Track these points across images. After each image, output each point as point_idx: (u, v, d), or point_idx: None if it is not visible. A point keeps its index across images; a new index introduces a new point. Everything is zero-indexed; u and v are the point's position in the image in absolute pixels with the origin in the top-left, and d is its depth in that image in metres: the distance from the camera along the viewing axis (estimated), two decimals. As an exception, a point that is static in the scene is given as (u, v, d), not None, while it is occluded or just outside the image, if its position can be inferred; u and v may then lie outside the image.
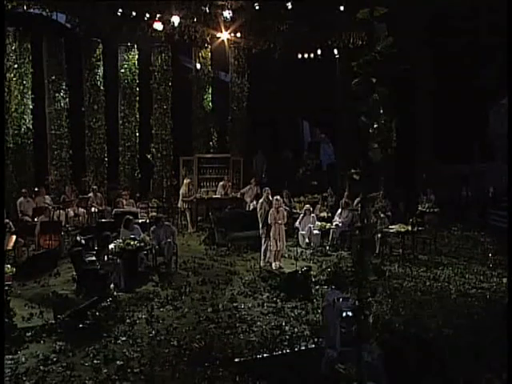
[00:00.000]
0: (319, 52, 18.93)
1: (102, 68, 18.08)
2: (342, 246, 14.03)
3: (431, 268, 12.14)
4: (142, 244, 11.06)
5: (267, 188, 12.62)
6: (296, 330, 8.38)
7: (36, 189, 15.99)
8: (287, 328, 8.46)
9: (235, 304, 9.61)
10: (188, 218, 16.25)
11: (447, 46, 16.89)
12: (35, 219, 13.93)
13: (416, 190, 18.64)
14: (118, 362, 7.20)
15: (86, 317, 8.22)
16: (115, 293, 9.96)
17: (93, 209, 16.33)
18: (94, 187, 17.13)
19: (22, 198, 14.92)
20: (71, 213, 15.85)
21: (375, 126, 3.67)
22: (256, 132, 21.16)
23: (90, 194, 16.72)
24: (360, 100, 3.63)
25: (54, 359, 7.33)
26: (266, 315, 9.07)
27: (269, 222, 11.96)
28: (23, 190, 15.08)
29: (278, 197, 12.23)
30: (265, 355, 7.48)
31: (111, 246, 10.86)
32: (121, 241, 10.95)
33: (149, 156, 18.83)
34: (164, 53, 18.53)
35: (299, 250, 13.58)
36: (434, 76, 18.43)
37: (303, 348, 7.67)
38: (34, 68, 16.46)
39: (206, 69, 19.03)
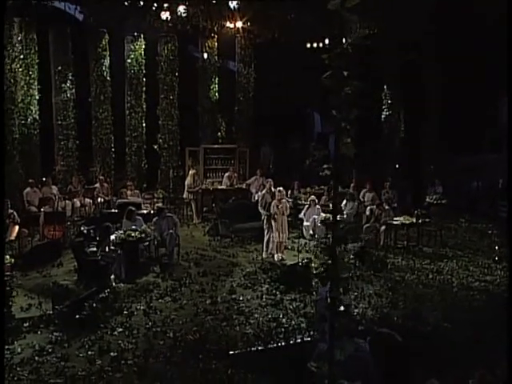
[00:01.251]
0: (327, 41, 18.68)
1: (108, 58, 18.02)
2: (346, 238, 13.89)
3: (435, 260, 12.03)
4: (143, 235, 11.06)
5: (270, 179, 12.55)
6: (293, 322, 8.35)
7: (43, 179, 16.09)
8: (284, 320, 8.44)
9: (234, 296, 9.59)
10: (193, 209, 16.21)
11: (456, 33, 16.57)
12: (41, 209, 14.01)
13: (424, 181, 18.43)
14: (111, 354, 7.23)
15: (84, 308, 8.26)
16: (114, 284, 10.00)
17: (99, 199, 16.38)
18: (101, 177, 17.17)
19: (28, 189, 14.97)
20: (77, 203, 15.93)
21: (347, 120, 3.57)
22: (263, 123, 20.98)
23: (97, 185, 16.75)
24: (331, 94, 3.54)
25: (50, 350, 7.38)
26: (264, 307, 9.05)
27: (271, 213, 11.91)
28: (30, 181, 15.12)
29: (281, 188, 12.16)
30: (259, 348, 7.47)
31: (112, 236, 10.89)
32: (122, 232, 10.98)
33: (155, 147, 18.82)
34: (170, 43, 18.45)
35: (303, 241, 13.53)
36: (443, 65, 18.13)
37: (299, 341, 7.63)
38: (41, 58, 16.42)
39: (212, 59, 18.92)
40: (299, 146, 22.90)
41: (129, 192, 15.74)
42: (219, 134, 20.00)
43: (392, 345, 7.22)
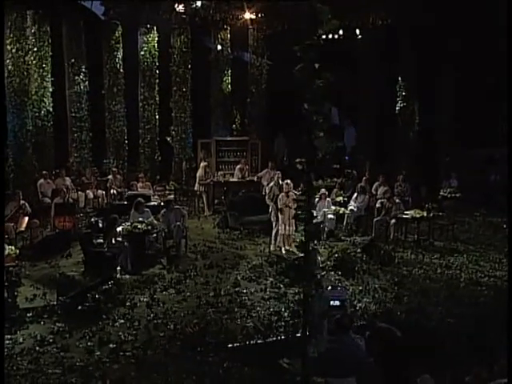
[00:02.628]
0: (341, 32, 18.50)
1: (121, 50, 18.12)
2: (356, 231, 13.81)
3: (445, 255, 11.87)
4: (149, 227, 11.10)
5: (278, 172, 12.49)
6: (295, 316, 8.29)
7: (56, 171, 16.26)
8: (286, 314, 8.39)
9: (238, 289, 9.59)
10: (204, 201, 16.25)
11: (472, 23, 16.23)
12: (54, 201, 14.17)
13: (439, 174, 18.18)
14: (110, 345, 7.28)
15: (86, 299, 8.33)
16: (120, 275, 10.07)
17: (112, 191, 16.50)
18: (114, 169, 17.30)
19: (42, 180, 15.15)
20: (90, 194, 16.08)
21: (320, 113, 3.52)
22: (278, 114, 20.86)
23: (110, 176, 16.88)
24: (302, 86, 3.49)
25: (50, 340, 7.45)
26: (267, 300, 9.03)
27: (279, 206, 11.87)
28: (43, 172, 15.31)
29: (289, 181, 12.10)
30: (259, 341, 7.46)
31: (119, 228, 10.96)
32: (129, 224, 11.05)
33: (168, 139, 18.88)
34: (183, 35, 18.46)
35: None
36: (458, 56, 17.82)
37: (298, 335, 7.59)
38: (54, 51, 16.51)
39: (225, 50, 18.88)
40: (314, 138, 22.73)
41: (140, 184, 15.84)
42: (234, 126, 20.01)
43: (391, 340, 7.15)
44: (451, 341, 7.09)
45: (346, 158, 21.09)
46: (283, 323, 7.95)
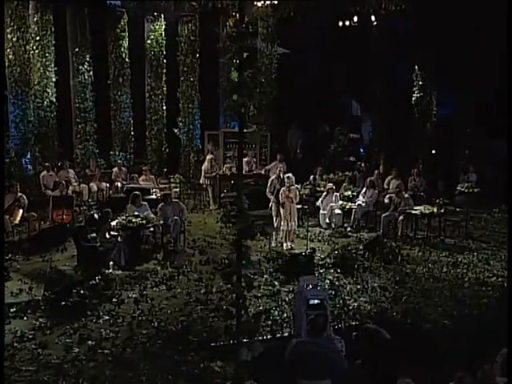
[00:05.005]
0: (355, 19, 18.27)
1: (127, 39, 18.11)
2: (363, 227, 13.66)
3: (454, 253, 11.66)
4: (145, 221, 11.12)
5: (281, 165, 12.41)
6: (285, 315, 8.23)
7: (60, 163, 16.42)
8: (276, 313, 8.33)
9: (230, 286, 9.51)
10: (210, 195, 16.23)
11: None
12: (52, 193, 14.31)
13: (457, 168, 17.85)
14: (89, 342, 7.30)
15: (71, 294, 8.38)
16: (112, 270, 10.11)
17: (117, 183, 16.59)
18: (119, 162, 17.40)
19: (44, 172, 15.30)
20: (94, 187, 16.20)
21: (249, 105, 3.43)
22: (291, 105, 20.69)
23: (115, 169, 16.98)
24: (231, 77, 3.41)
25: (30, 336, 7.51)
26: (259, 298, 8.97)
27: (280, 200, 11.79)
28: (46, 164, 15.47)
29: (290, 174, 12.01)
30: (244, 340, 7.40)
31: (113, 222, 11.00)
32: (123, 217, 11.08)
33: (176, 130, 18.89)
34: (191, 23, 18.42)
35: (318, 230, 13.36)
36: (480, 43, 17.38)
37: (286, 334, 7.53)
38: (57, 40, 16.56)
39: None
40: (330, 129, 22.51)
41: (143, 177, 15.89)
42: (247, 117, 19.86)
43: (378, 341, 7.04)
44: (443, 343, 6.95)
45: (361, 150, 20.86)
46: (270, 322, 7.88)
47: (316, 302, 6.10)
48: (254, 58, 3.35)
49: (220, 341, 7.25)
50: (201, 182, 16.43)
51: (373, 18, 18.39)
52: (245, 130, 17.71)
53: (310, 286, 6.40)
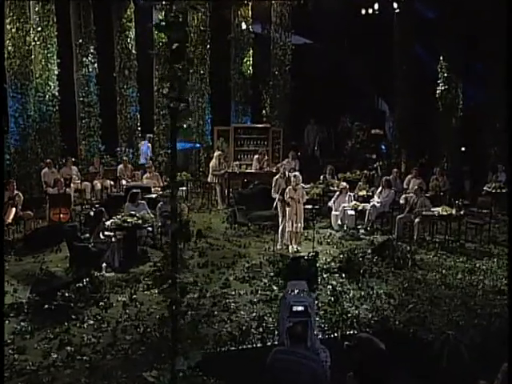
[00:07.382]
0: (376, 6, 18.10)
1: (134, 30, 18.21)
2: (378, 230, 13.48)
3: (473, 258, 11.43)
4: (141, 221, 11.15)
5: (284, 163, 12.32)
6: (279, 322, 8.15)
7: (63, 160, 16.57)
8: (270, 319, 8.27)
9: (226, 290, 9.51)
10: (218, 194, 16.22)
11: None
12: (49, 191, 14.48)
13: (486, 166, 17.49)
14: (68, 348, 7.34)
15: (55, 297, 8.43)
16: (103, 272, 10.15)
17: (123, 181, 16.69)
18: (124, 158, 17.49)
19: (46, 169, 15.45)
20: (98, 185, 16.32)
21: (181, 99, 3.38)
22: (309, 99, 20.54)
23: (120, 166, 17.08)
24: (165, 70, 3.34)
25: (9, 341, 7.56)
26: (255, 304, 8.92)
27: (285, 200, 11.72)
28: (47, 161, 15.61)
29: (297, 173, 11.94)
30: (231, 349, 7.39)
31: (108, 222, 11.05)
32: (119, 217, 11.12)
33: (184, 125, 18.87)
34: (201, 12, 18.41)
35: (329, 232, 13.26)
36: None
37: (276, 343, 7.46)
38: (60, 31, 16.70)
39: (246, 29, 18.72)
40: (351, 125, 22.29)
41: (147, 174, 15.96)
42: (264, 112, 19.84)
43: (371, 351, 6.93)
44: (443, 356, 6.80)
45: (383, 147, 20.63)
46: (261, 330, 7.82)
47: (300, 308, 6.02)
48: (184, 50, 3.29)
49: (208, 349, 7.23)
50: (208, 180, 16.44)
51: (395, 4, 18.20)
52: (256, 126, 17.65)
53: (296, 292, 6.31)
